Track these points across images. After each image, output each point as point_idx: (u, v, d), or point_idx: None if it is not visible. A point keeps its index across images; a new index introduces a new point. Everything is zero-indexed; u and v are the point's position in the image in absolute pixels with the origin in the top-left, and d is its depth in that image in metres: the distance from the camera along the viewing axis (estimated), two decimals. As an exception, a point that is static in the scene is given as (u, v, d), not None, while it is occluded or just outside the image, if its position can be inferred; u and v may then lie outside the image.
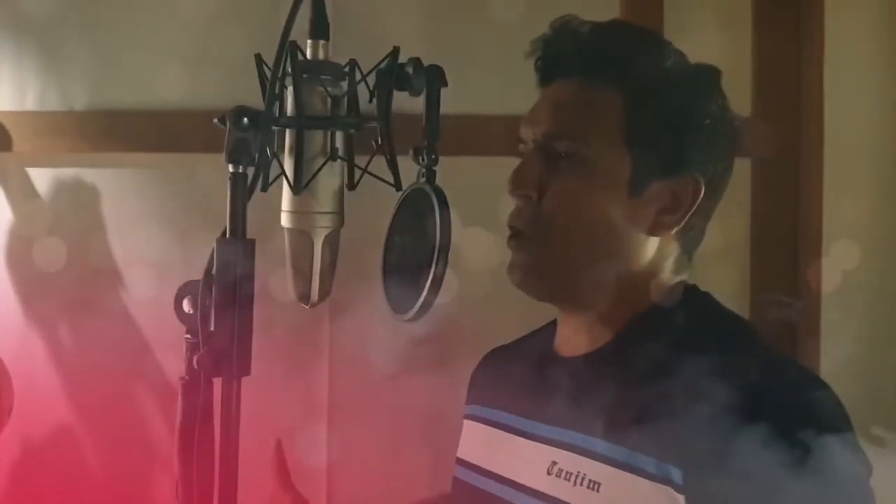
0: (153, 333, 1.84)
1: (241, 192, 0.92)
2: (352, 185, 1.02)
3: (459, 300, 1.76)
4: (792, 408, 0.89)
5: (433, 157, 1.01)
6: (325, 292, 0.98)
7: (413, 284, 0.96)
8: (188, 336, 0.95)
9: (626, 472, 0.93)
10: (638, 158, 1.02)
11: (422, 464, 1.77)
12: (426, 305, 0.95)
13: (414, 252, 0.99)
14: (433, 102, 0.99)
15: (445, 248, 0.95)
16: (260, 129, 0.90)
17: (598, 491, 0.95)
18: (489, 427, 1.15)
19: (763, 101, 1.92)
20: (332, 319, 1.86)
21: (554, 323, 1.14)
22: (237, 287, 0.90)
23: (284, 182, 0.96)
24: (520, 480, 1.05)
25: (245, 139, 0.91)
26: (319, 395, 1.88)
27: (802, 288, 1.88)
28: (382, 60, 0.96)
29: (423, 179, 1.01)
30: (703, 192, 1.02)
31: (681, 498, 0.88)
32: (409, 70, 0.97)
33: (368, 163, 1.00)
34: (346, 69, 0.97)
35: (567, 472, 0.99)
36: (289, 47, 0.91)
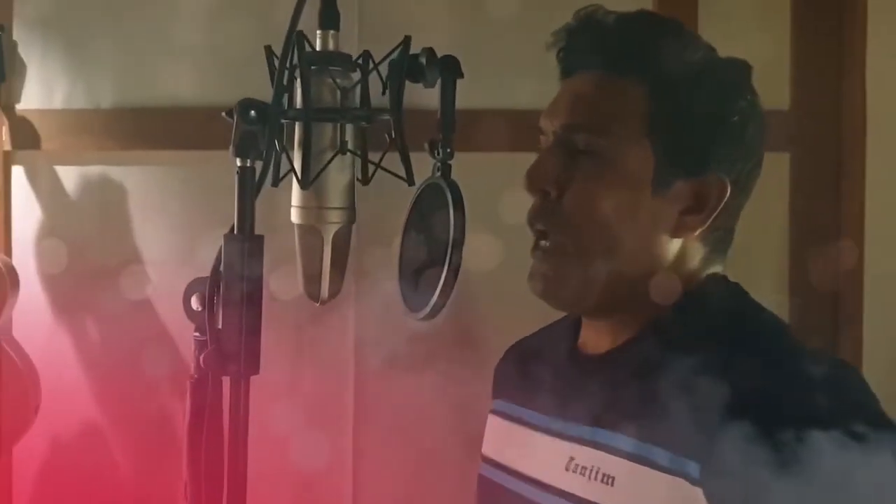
0: (180, 330, 1.83)
1: (249, 186, 0.90)
2: (365, 180, 1.00)
3: (482, 298, 1.77)
4: (815, 403, 0.85)
5: (448, 150, 0.98)
6: (335, 290, 0.96)
7: (427, 283, 0.94)
8: (197, 334, 0.93)
9: (640, 466, 0.91)
10: (661, 155, 0.98)
11: (450, 466, 1.74)
12: (439, 304, 0.93)
13: (429, 249, 0.97)
14: (448, 94, 0.97)
15: (459, 245, 0.92)
16: (267, 122, 0.89)
17: (611, 485, 0.93)
18: (511, 423, 1.13)
19: (802, 94, 1.87)
20: (357, 320, 1.84)
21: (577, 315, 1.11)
22: (244, 284, 0.88)
23: (294, 177, 0.94)
24: (539, 477, 1.03)
25: (252, 132, 0.89)
26: (345, 398, 1.86)
27: (843, 282, 1.82)
28: (394, 50, 0.94)
29: (438, 174, 0.98)
30: (728, 192, 0.98)
31: (698, 491, 0.86)
32: (423, 61, 0.94)
33: (382, 157, 0.98)
34: (359, 61, 0.95)
35: (583, 467, 0.97)
36: (295, 38, 0.89)
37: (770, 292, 1.79)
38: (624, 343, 1.01)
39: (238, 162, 0.90)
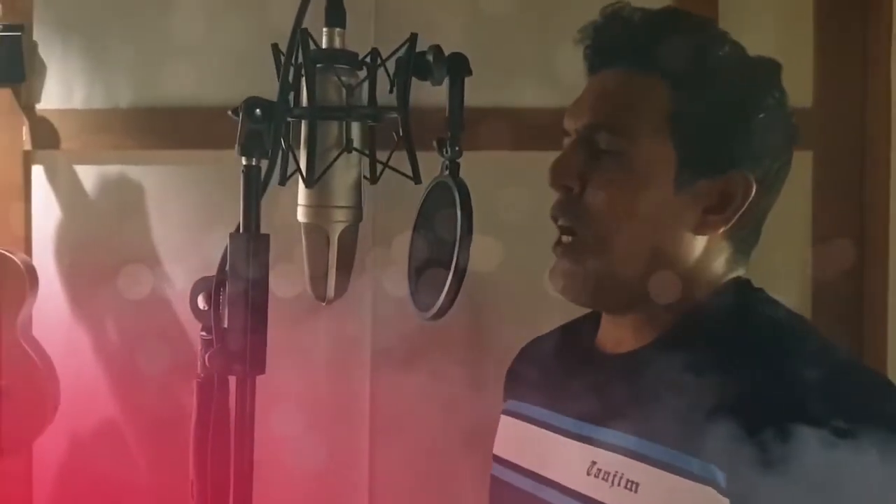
0: (198, 328, 1.83)
1: (255, 185, 0.90)
2: (373, 179, 1.00)
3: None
4: (844, 406, 0.84)
5: (456, 148, 0.97)
6: (341, 289, 0.95)
7: (435, 282, 0.93)
8: (203, 333, 0.93)
9: (666, 473, 0.89)
10: (683, 153, 0.96)
11: (465, 471, 1.73)
12: (446, 304, 0.92)
13: (437, 249, 0.96)
14: (456, 92, 0.96)
15: (466, 245, 0.91)
16: (273, 121, 0.88)
17: (635, 492, 0.92)
18: (528, 424, 1.11)
19: (825, 91, 1.84)
20: (374, 320, 1.84)
21: (595, 313, 1.10)
22: (249, 283, 0.88)
23: (300, 175, 0.93)
24: (559, 480, 1.02)
25: (258, 130, 0.88)
26: (361, 400, 1.86)
27: (867, 282, 1.79)
28: (400, 47, 0.93)
29: (446, 172, 0.98)
30: (754, 191, 0.97)
31: (725, 501, 0.84)
32: (430, 58, 0.93)
33: (389, 156, 0.97)
34: (367, 59, 0.94)
35: (605, 472, 0.95)
36: (300, 35, 0.88)
37: (792, 292, 1.78)
38: (648, 344, 1.00)
39: (243, 160, 0.89)
